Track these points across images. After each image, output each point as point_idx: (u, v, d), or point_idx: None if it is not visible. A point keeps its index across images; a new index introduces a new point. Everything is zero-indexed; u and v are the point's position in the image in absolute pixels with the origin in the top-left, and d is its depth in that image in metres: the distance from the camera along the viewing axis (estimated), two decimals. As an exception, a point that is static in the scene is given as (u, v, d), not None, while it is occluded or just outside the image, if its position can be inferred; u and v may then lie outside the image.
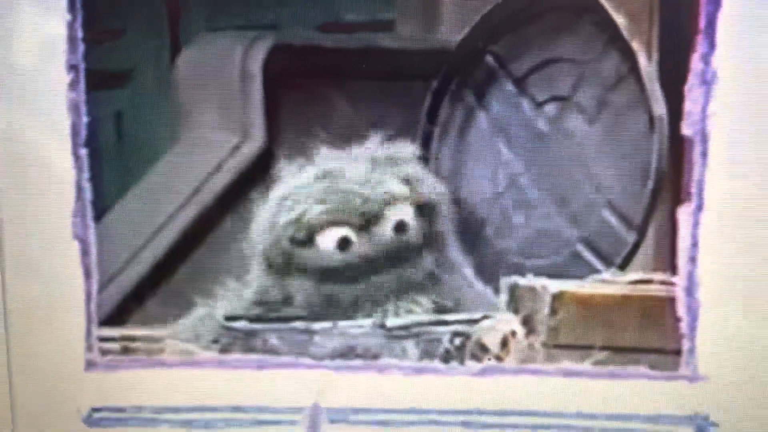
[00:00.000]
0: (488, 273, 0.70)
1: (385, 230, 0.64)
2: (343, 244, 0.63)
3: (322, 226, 0.63)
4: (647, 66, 0.64)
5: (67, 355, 0.60)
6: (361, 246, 0.64)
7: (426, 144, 0.73)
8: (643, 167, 0.65)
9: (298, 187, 0.64)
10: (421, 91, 0.72)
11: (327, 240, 0.63)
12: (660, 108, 0.63)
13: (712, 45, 0.54)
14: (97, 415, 0.60)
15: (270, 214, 0.64)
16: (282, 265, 0.64)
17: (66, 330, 0.60)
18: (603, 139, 0.67)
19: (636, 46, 0.64)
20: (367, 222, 0.64)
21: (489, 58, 0.71)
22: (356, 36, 0.68)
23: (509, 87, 0.71)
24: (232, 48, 0.69)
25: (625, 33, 0.64)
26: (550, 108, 0.69)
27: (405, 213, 0.64)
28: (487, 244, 0.71)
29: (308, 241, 0.64)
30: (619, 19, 0.64)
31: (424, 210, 0.66)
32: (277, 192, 0.65)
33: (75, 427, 0.60)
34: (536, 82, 0.70)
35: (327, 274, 0.64)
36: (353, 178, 0.64)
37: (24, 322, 0.60)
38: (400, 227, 0.64)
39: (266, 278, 0.65)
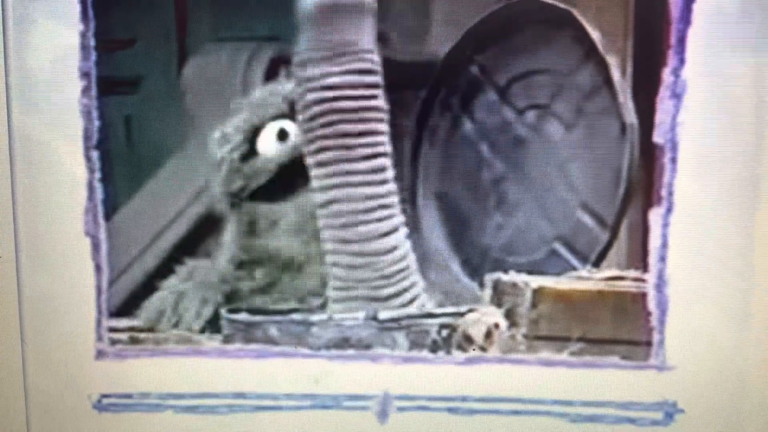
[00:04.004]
0: (473, 269, 0.70)
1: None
2: (282, 135, 0.65)
3: (259, 129, 0.65)
4: (620, 78, 0.64)
5: (78, 345, 0.60)
6: (297, 135, 0.65)
7: (416, 147, 0.73)
8: (615, 171, 0.65)
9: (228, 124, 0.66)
10: (410, 99, 0.72)
11: (266, 138, 0.65)
12: (631, 117, 0.64)
13: (682, 60, 0.55)
14: (106, 401, 0.60)
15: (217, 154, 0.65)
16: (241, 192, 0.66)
17: (77, 321, 0.60)
18: (578, 144, 0.68)
19: (610, 59, 0.64)
20: (292, 109, 0.65)
21: (474, 69, 0.71)
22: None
23: (492, 96, 0.71)
24: (235, 58, 0.69)
25: (601, 47, 0.64)
26: (530, 115, 0.70)
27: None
28: (472, 241, 0.72)
29: (251, 152, 0.65)
30: (595, 34, 0.64)
31: None
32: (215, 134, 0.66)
33: (85, 412, 0.60)
34: (517, 91, 0.70)
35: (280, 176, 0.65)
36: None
37: (38, 313, 0.59)
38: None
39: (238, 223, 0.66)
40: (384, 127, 0.65)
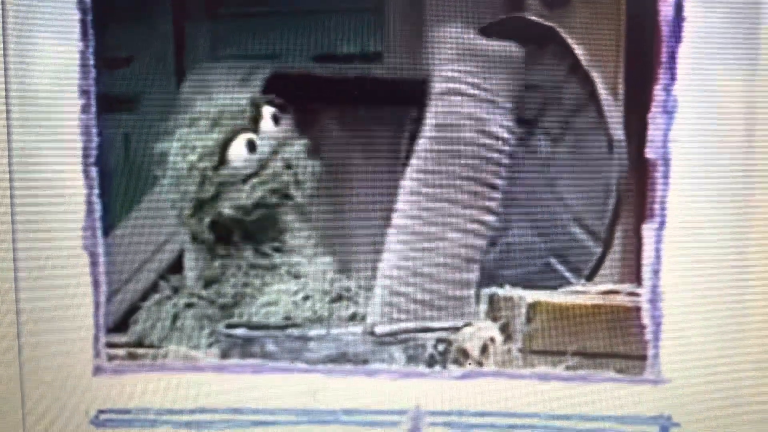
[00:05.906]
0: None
1: (268, 125, 0.67)
2: (251, 145, 0.66)
3: (228, 141, 0.66)
4: (605, 93, 0.64)
5: (76, 361, 0.59)
6: (261, 144, 0.67)
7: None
8: (604, 185, 0.65)
9: (187, 134, 0.66)
10: (405, 116, 0.72)
11: (236, 148, 0.66)
12: (618, 131, 0.63)
13: (673, 77, 0.54)
14: (103, 416, 0.59)
15: (181, 165, 0.66)
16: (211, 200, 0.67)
17: (75, 337, 0.58)
18: (567, 159, 0.67)
19: (595, 75, 0.64)
20: (254, 121, 0.67)
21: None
22: (348, 66, 0.69)
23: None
24: (232, 76, 0.69)
25: (585, 62, 0.64)
26: (519, 130, 0.69)
27: (271, 110, 0.68)
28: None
29: (222, 162, 0.66)
30: (579, 50, 0.64)
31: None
32: (174, 146, 0.67)
33: (83, 428, 0.59)
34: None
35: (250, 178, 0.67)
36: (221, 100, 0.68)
37: (36, 329, 0.58)
38: (276, 118, 0.68)
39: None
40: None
